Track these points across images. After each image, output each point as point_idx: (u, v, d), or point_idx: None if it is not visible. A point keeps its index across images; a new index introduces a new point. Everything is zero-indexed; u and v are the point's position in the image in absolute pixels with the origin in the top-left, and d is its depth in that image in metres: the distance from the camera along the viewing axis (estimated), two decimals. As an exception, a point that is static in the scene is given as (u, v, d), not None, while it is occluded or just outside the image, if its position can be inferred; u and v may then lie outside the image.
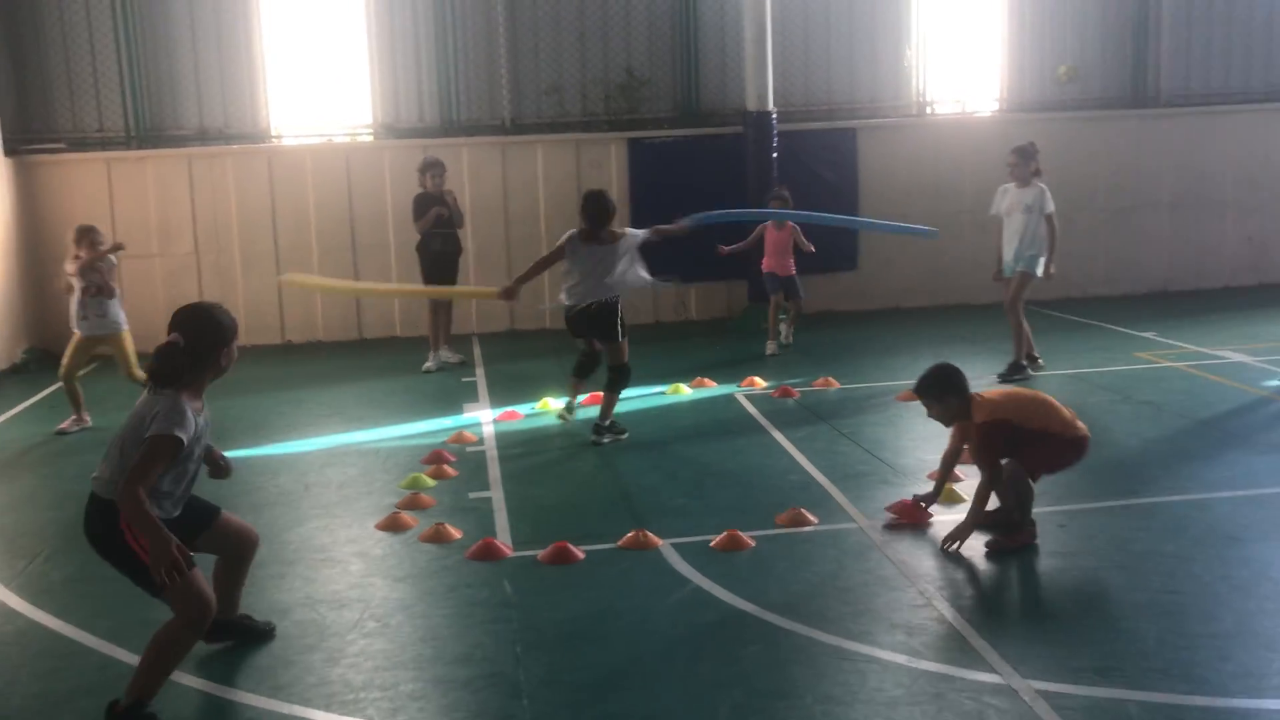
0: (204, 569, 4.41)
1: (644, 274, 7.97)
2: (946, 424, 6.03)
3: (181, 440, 4.15)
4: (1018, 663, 4.41)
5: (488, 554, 5.81)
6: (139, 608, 4.67)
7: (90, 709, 4.27)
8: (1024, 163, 9.43)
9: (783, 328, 11.35)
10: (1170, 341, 10.91)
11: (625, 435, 8.06)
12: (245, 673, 4.61)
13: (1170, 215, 14.18)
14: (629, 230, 8.13)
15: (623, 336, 8.01)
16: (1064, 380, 9.35)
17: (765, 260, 11.21)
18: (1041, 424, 5.68)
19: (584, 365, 8.36)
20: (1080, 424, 5.77)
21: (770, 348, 11.05)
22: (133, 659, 4.49)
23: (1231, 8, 14.42)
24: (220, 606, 4.51)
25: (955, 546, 5.60)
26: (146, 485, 4.08)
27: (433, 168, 10.92)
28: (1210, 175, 14.20)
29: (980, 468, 5.75)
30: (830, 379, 9.72)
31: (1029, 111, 14.13)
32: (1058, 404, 5.82)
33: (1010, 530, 5.71)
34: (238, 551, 4.81)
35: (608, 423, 8.05)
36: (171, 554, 3.97)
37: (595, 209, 7.85)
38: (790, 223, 10.98)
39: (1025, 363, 9.59)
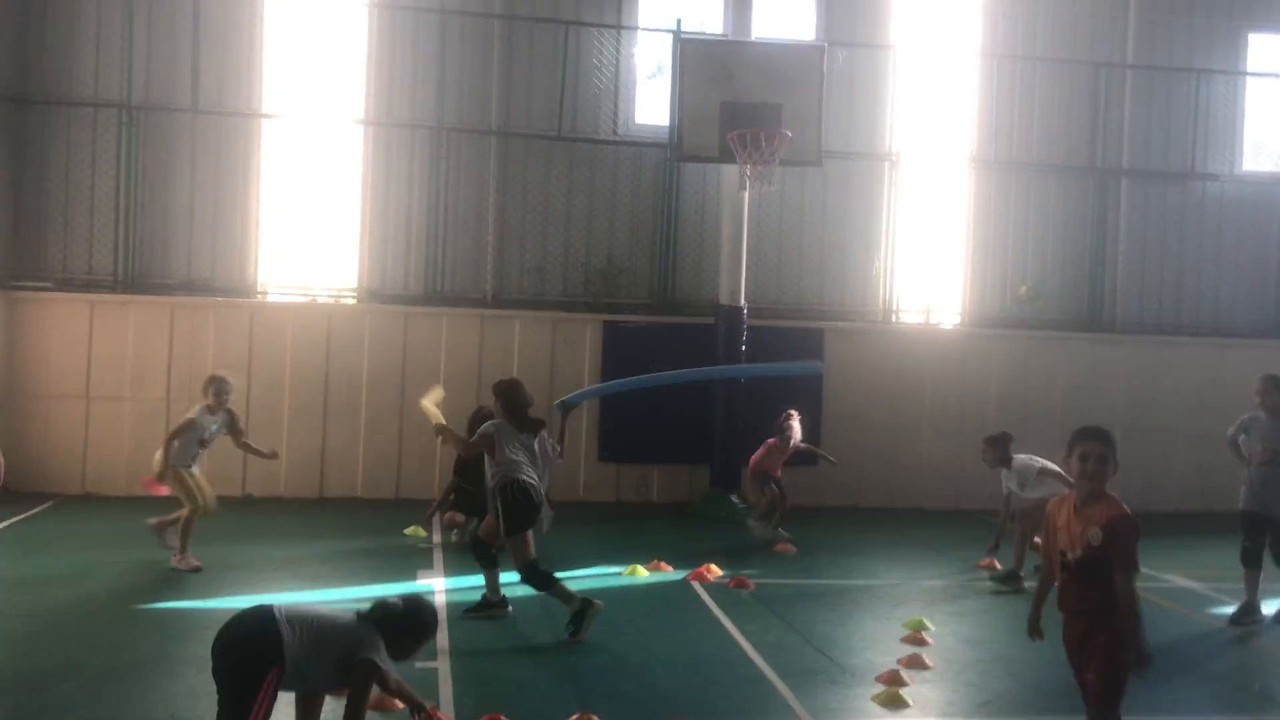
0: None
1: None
2: (1086, 490, 5.00)
3: (386, 676, 4.91)
4: None
5: (431, 726, 5.75)
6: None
7: None
8: (995, 449, 9.79)
9: (757, 524, 11.40)
10: (1119, 561, 11.07)
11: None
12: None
13: (1123, 438, 14.53)
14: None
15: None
16: (1020, 595, 9.46)
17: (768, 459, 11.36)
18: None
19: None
20: None
21: (763, 530, 11.20)
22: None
23: (1182, 246, 15.25)
24: None
25: (1144, 671, 4.84)
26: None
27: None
28: (1161, 402, 14.70)
29: (1121, 570, 4.84)
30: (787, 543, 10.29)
31: (989, 327, 14.70)
32: None
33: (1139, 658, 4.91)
34: None
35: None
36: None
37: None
38: (795, 443, 11.26)
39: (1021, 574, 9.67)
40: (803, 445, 11.51)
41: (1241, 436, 9.17)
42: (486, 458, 7.80)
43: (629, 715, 6.07)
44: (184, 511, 9.26)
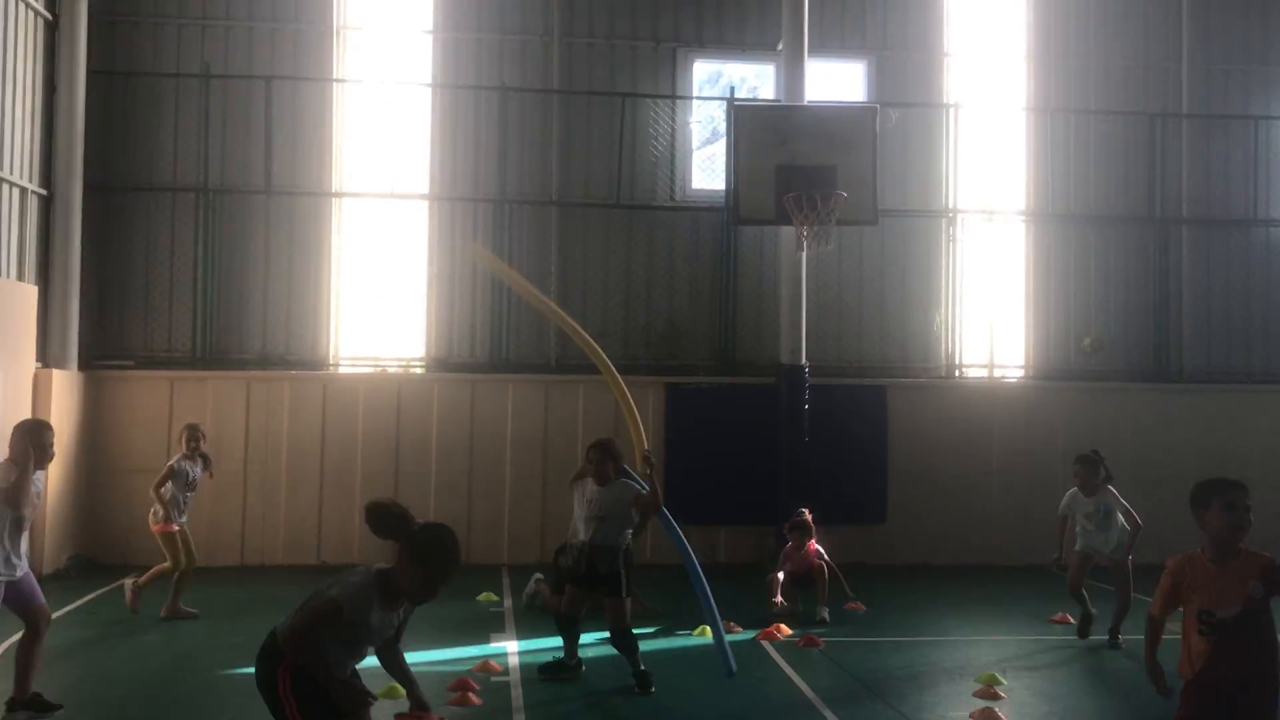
0: None
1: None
2: (1235, 541, 4.90)
3: (341, 609, 4.39)
4: None
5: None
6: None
7: None
8: (1091, 472, 9.38)
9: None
10: (1197, 613, 10.87)
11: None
12: None
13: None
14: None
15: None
16: (1097, 645, 9.35)
17: (791, 564, 10.78)
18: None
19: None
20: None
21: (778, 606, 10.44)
22: None
23: (1248, 293, 15.10)
24: None
25: None
26: (308, 636, 4.38)
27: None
28: (1234, 451, 14.34)
29: None
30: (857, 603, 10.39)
31: (1054, 380, 14.63)
32: None
33: None
34: None
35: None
36: (351, 694, 4.33)
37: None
38: (813, 544, 10.67)
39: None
40: (819, 552, 10.70)
41: None
42: (616, 515, 7.82)
43: (703, 772, 6.13)
44: (165, 566, 9.83)
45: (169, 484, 9.81)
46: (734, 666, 7.63)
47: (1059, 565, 9.60)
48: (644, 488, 7.99)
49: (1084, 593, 9.43)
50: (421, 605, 4.72)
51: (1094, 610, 9.48)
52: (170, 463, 9.94)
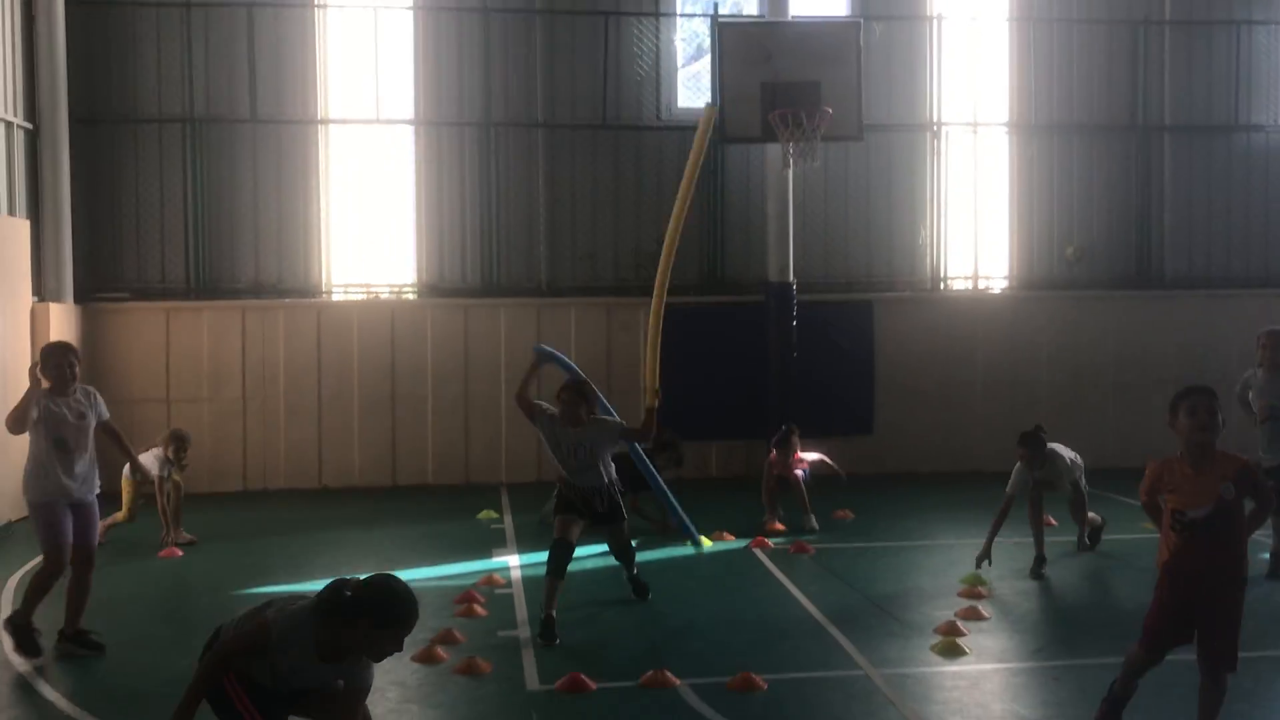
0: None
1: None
2: (1200, 442, 5.04)
3: (269, 634, 4.21)
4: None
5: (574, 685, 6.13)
6: None
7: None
8: (1036, 450, 8.83)
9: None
10: (1175, 513, 11.23)
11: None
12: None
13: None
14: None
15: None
16: (1074, 545, 9.69)
17: (776, 469, 10.95)
18: None
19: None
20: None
21: (773, 519, 10.66)
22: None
23: (1229, 199, 15.25)
24: None
25: None
26: (224, 654, 4.30)
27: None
28: (1215, 356, 14.63)
29: (1267, 506, 5.21)
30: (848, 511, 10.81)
31: (1038, 290, 14.85)
32: None
33: None
34: None
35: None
36: None
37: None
38: (798, 454, 10.88)
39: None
40: (812, 460, 11.02)
41: (1250, 393, 9.12)
42: (604, 454, 7.83)
43: (700, 671, 6.44)
44: (118, 516, 10.13)
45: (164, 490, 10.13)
46: (697, 538, 8.38)
47: (986, 561, 8.53)
48: (615, 418, 8.05)
49: (1042, 531, 9.00)
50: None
51: (1046, 554, 8.99)
52: (159, 474, 10.08)
